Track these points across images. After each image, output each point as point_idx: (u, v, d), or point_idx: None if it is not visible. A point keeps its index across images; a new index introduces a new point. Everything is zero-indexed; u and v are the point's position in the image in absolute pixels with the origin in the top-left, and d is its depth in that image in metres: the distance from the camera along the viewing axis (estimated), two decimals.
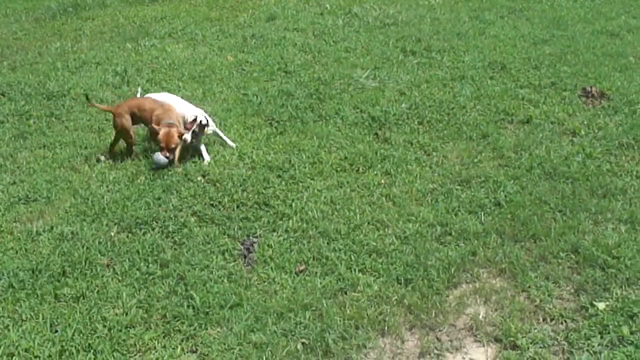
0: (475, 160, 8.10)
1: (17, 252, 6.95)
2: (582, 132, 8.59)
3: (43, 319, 5.97)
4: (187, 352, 5.58)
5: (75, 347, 5.62)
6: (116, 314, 5.98)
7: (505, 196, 7.29)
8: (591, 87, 9.75)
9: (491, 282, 6.13)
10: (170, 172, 8.08)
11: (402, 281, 6.17)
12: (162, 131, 8.14)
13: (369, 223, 7.03)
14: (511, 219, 6.90)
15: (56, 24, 15.29)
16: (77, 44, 13.59)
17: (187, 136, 8.24)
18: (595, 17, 13.42)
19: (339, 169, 8.07)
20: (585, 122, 8.85)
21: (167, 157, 8.13)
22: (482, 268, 6.30)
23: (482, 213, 7.06)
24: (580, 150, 8.11)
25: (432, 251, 6.51)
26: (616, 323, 5.49)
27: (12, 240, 7.17)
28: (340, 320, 5.72)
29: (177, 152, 8.26)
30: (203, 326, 5.80)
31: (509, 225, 6.81)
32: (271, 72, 11.29)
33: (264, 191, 7.66)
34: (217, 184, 7.87)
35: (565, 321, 5.62)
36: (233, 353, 5.50)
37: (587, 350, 5.31)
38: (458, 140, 8.64)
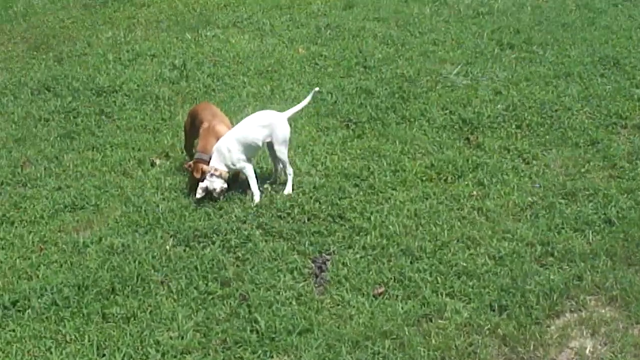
0: (582, 170, 8.01)
1: (61, 266, 7.10)
2: None
3: (89, 341, 6.09)
4: None
5: None
6: (171, 338, 6.06)
7: (617, 212, 7.20)
8: None
9: (600, 311, 6.05)
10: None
11: (496, 308, 6.13)
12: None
13: (458, 240, 7.01)
14: (624, 239, 6.81)
15: (107, 11, 15.57)
16: (130, 34, 13.82)
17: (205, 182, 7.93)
18: None
19: (424, 178, 8.07)
20: None
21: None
22: (589, 295, 6.22)
23: (590, 231, 6.98)
24: None
25: (531, 274, 6.45)
26: None
27: (56, 252, 7.33)
28: (424, 351, 5.70)
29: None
30: (268, 354, 5.84)
31: (621, 246, 6.72)
32: (348, 67, 11.32)
33: (338, 202, 7.69)
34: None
35: None
36: None
37: None
38: (562, 147, 8.55)
